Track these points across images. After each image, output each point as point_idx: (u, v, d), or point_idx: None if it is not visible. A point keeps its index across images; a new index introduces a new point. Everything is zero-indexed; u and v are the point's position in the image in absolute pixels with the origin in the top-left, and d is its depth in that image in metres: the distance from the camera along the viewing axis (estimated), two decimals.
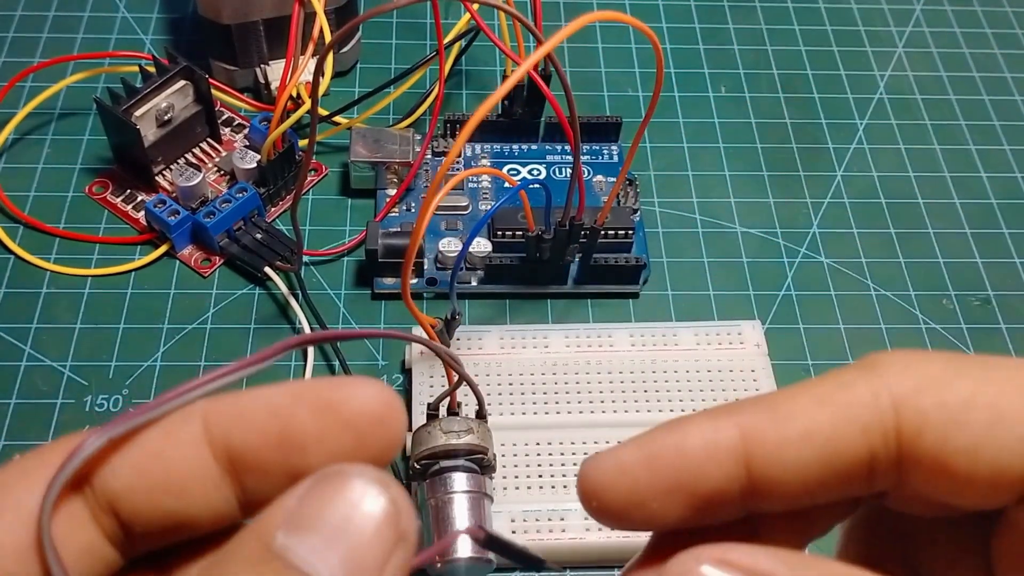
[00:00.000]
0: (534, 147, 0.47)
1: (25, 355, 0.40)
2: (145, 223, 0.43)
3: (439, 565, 0.31)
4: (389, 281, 0.42)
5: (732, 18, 0.55)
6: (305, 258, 0.43)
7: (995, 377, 0.15)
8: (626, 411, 0.37)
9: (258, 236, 0.42)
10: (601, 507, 0.16)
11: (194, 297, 0.42)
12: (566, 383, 0.38)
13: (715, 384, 0.38)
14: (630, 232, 0.42)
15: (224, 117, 0.47)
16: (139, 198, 0.44)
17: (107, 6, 0.52)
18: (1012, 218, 0.47)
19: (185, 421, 0.15)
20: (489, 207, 0.44)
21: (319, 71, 0.33)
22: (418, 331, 0.36)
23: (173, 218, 0.41)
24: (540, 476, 0.36)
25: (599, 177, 0.46)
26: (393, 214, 0.44)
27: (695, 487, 0.16)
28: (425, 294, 0.42)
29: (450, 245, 0.42)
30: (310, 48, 0.40)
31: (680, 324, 0.40)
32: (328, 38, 0.40)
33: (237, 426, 0.15)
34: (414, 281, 0.42)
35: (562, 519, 0.35)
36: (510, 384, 0.38)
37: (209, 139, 0.46)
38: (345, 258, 0.44)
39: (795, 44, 0.53)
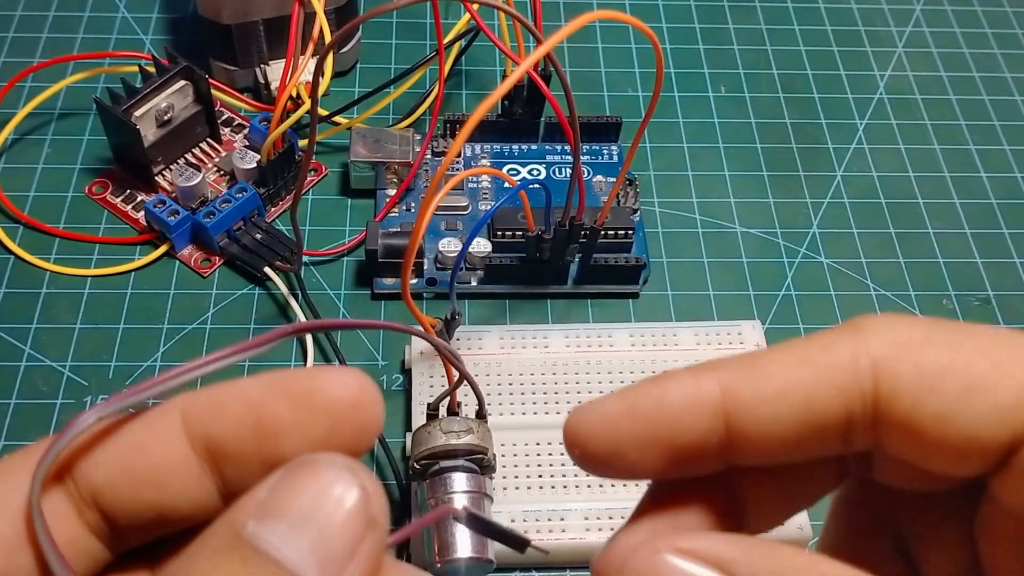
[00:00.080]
0: (534, 147, 0.47)
1: (25, 355, 0.40)
2: (145, 223, 0.43)
3: (439, 565, 0.31)
4: (389, 281, 0.42)
5: (732, 18, 0.55)
6: (305, 258, 0.43)
7: (973, 345, 0.15)
8: None
9: (258, 236, 0.42)
10: (583, 454, 0.16)
11: (194, 297, 0.42)
12: (566, 383, 0.38)
13: None
14: (630, 232, 0.42)
15: (224, 117, 0.47)
16: (139, 198, 0.44)
17: (107, 6, 0.52)
18: (1012, 218, 0.47)
19: (164, 414, 0.16)
20: (489, 207, 0.44)
21: (319, 71, 0.33)
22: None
23: (173, 218, 0.41)
24: (540, 476, 0.36)
25: (599, 177, 0.46)
26: (393, 214, 0.44)
27: (673, 439, 0.16)
28: (425, 294, 0.42)
29: (450, 245, 0.42)
30: (310, 48, 0.40)
31: (680, 324, 0.40)
32: (328, 38, 0.40)
33: (214, 417, 0.15)
34: (414, 281, 0.42)
35: (562, 519, 0.35)
36: (510, 384, 0.38)
37: (209, 139, 0.46)
38: (345, 258, 0.44)
39: (795, 44, 0.53)
